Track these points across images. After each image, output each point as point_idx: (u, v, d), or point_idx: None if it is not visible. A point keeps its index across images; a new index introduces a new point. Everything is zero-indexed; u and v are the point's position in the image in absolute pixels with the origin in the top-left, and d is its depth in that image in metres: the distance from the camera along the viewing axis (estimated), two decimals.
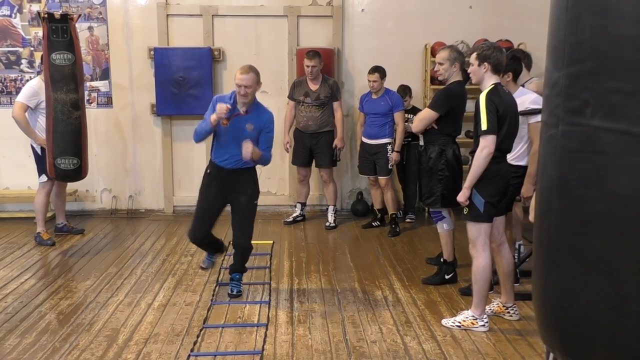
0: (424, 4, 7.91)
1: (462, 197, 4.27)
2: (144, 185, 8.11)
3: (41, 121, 6.36)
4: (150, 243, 6.66)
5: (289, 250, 6.39)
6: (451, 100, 5.20)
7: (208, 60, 7.66)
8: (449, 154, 5.20)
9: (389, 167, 7.08)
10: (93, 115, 7.66)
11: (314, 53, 7.12)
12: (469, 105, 5.36)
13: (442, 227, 5.34)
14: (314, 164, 7.51)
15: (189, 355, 3.98)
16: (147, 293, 5.12)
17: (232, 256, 5.23)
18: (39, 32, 7.58)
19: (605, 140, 1.95)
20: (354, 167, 7.81)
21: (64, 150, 6.16)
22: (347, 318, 4.61)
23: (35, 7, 7.64)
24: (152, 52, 7.69)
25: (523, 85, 5.20)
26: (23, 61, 7.79)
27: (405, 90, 7.38)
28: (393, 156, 7.01)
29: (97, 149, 7.89)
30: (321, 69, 7.20)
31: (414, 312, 4.73)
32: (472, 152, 4.27)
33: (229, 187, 4.88)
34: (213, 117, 4.67)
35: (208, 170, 4.99)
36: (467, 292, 4.93)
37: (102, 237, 6.93)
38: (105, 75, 7.89)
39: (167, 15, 7.79)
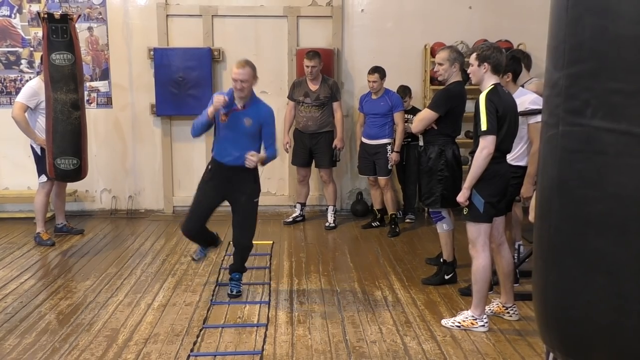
0: (424, 5, 7.92)
1: (461, 197, 4.27)
2: (143, 185, 8.11)
3: (41, 121, 6.36)
4: (150, 243, 6.66)
5: (289, 251, 6.39)
6: (451, 101, 5.20)
7: (208, 60, 7.66)
8: (448, 154, 5.21)
9: (389, 168, 7.08)
10: (93, 115, 7.66)
11: (313, 53, 7.13)
12: (469, 106, 5.37)
13: (442, 228, 5.34)
14: (313, 164, 7.51)
15: (189, 355, 3.98)
16: (147, 293, 5.12)
17: (232, 256, 5.22)
18: (38, 32, 7.58)
19: (606, 141, 1.95)
20: (354, 168, 7.81)
21: (63, 151, 6.17)
22: (346, 318, 4.62)
23: (35, 8, 7.64)
24: (151, 53, 7.69)
25: (523, 86, 5.20)
26: (23, 61, 7.79)
27: (405, 91, 7.38)
28: (393, 156, 7.02)
29: (96, 149, 7.89)
30: (321, 69, 7.21)
31: (414, 313, 4.73)
32: (472, 153, 4.27)
33: (229, 184, 4.86)
34: (210, 109, 4.67)
35: (209, 167, 4.99)
36: (466, 293, 4.93)
37: (101, 237, 6.93)
38: (105, 75, 7.89)
39: (167, 15, 7.79)
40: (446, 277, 5.35)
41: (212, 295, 5.06)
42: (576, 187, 2.05)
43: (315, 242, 6.77)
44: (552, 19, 2.18)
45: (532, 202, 3.43)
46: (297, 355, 4.01)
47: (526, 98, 4.87)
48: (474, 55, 4.28)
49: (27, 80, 7.30)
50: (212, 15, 7.82)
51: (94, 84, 7.87)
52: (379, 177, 7.13)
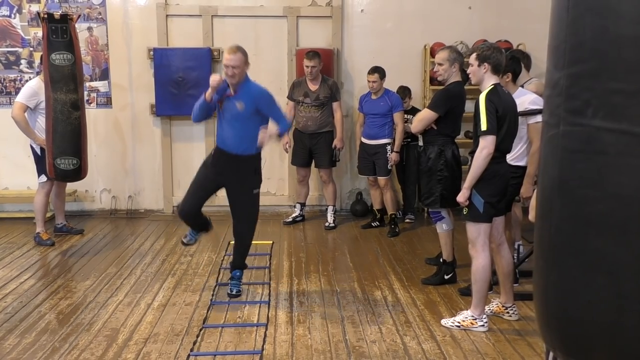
0: (424, 5, 7.92)
1: (461, 197, 4.28)
2: (143, 185, 8.12)
3: (40, 121, 6.36)
4: (150, 243, 6.66)
5: (289, 251, 6.40)
6: (450, 101, 5.20)
7: (207, 60, 7.66)
8: (448, 154, 5.21)
9: (389, 168, 7.08)
10: (92, 115, 7.66)
11: (313, 53, 7.13)
12: (468, 106, 5.38)
13: (442, 228, 5.35)
14: (313, 164, 7.51)
15: (189, 355, 3.98)
16: (147, 293, 5.12)
17: (232, 256, 5.22)
18: (38, 32, 7.58)
19: (607, 141, 1.95)
20: (354, 168, 7.82)
21: (63, 151, 6.17)
22: (346, 318, 4.62)
23: (35, 8, 7.64)
24: (151, 53, 7.69)
25: (522, 86, 5.21)
26: (22, 61, 7.79)
27: (404, 92, 7.39)
28: (392, 156, 7.02)
29: (96, 149, 7.89)
30: (321, 69, 7.21)
31: (414, 312, 4.73)
32: (472, 153, 4.28)
33: (229, 173, 4.80)
34: (207, 91, 4.67)
35: (212, 152, 4.98)
36: (466, 292, 4.94)
37: (101, 237, 6.93)
38: (104, 75, 7.89)
39: (167, 15, 7.80)
40: (446, 277, 5.35)
41: (212, 295, 5.06)
42: (577, 187, 2.05)
43: (315, 242, 6.77)
44: (553, 19, 2.18)
45: (532, 202, 3.42)
46: (297, 355, 4.01)
47: (526, 98, 4.87)
48: (473, 56, 4.29)
49: (26, 81, 7.30)
50: (212, 16, 7.82)
51: (94, 84, 7.87)
52: (378, 177, 7.13)
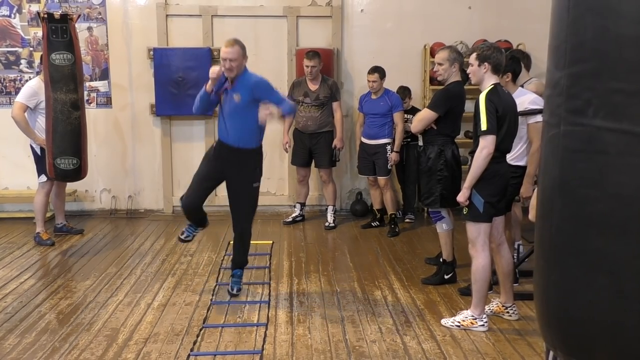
0: (423, 5, 7.92)
1: (461, 197, 4.28)
2: (143, 185, 8.11)
3: (40, 121, 6.36)
4: (150, 243, 6.66)
5: (289, 251, 6.40)
6: (450, 101, 5.20)
7: (207, 60, 7.65)
8: (448, 154, 5.21)
9: (388, 168, 7.08)
10: (92, 115, 7.65)
11: (313, 53, 7.13)
12: (468, 106, 5.38)
13: (442, 227, 5.35)
14: (313, 164, 7.51)
15: (189, 355, 3.98)
16: (147, 293, 5.12)
17: (232, 256, 5.22)
18: (38, 32, 7.58)
19: (607, 140, 1.96)
20: (353, 168, 7.82)
21: (63, 151, 6.17)
22: (346, 318, 4.62)
23: (35, 8, 7.64)
24: (151, 53, 7.69)
25: (522, 86, 5.21)
26: (22, 61, 7.79)
27: (404, 92, 7.39)
28: (392, 156, 7.02)
29: (96, 149, 7.89)
30: (320, 69, 7.21)
31: (414, 312, 4.74)
32: (472, 153, 4.28)
33: (230, 165, 4.78)
34: (208, 82, 4.66)
35: (214, 145, 4.96)
36: (466, 292, 4.94)
37: (101, 237, 6.93)
38: (104, 75, 7.89)
39: (167, 15, 7.79)
40: (446, 277, 5.35)
41: (212, 295, 5.06)
42: (577, 187, 2.05)
43: (315, 242, 6.77)
44: (554, 19, 2.18)
45: (532, 202, 3.43)
46: (297, 354, 4.01)
47: (526, 98, 4.87)
48: (474, 55, 4.29)
49: (26, 80, 7.30)
50: (212, 15, 7.82)
51: (94, 83, 7.87)
52: (378, 177, 7.13)
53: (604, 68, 1.96)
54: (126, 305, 4.85)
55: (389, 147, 7.02)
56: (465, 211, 4.31)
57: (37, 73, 7.28)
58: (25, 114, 6.36)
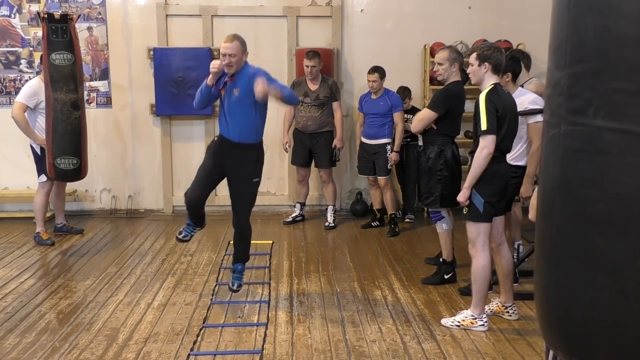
0: (423, 5, 7.93)
1: (462, 197, 4.28)
2: (143, 185, 8.12)
3: (40, 121, 6.36)
4: (150, 243, 6.66)
5: (289, 250, 6.40)
6: (450, 101, 5.21)
7: (207, 60, 7.60)
8: (447, 154, 5.21)
9: (388, 167, 7.08)
10: (92, 115, 7.66)
11: (313, 53, 7.13)
12: (468, 106, 5.39)
13: (441, 227, 5.35)
14: (313, 164, 7.51)
15: (189, 355, 3.98)
16: (147, 293, 5.12)
17: (232, 255, 5.21)
18: (38, 32, 7.58)
19: (608, 140, 1.96)
20: (353, 167, 7.82)
21: (63, 150, 6.17)
22: (346, 318, 4.62)
23: (35, 8, 7.64)
24: (151, 53, 7.69)
25: (522, 86, 5.21)
26: (22, 61, 7.79)
27: (405, 92, 7.39)
28: (392, 156, 7.02)
29: (96, 149, 7.89)
30: (320, 69, 7.21)
31: (414, 312, 4.74)
32: (472, 152, 4.28)
33: (231, 160, 4.75)
34: (209, 77, 4.63)
35: (215, 138, 4.94)
36: (466, 292, 4.94)
37: (101, 237, 6.93)
38: (104, 75, 7.89)
39: (167, 15, 7.79)
40: (446, 277, 5.35)
41: (212, 295, 5.06)
42: (578, 187, 2.05)
43: (314, 242, 6.77)
44: (554, 19, 2.18)
45: (532, 201, 3.43)
46: (297, 354, 4.02)
47: (526, 98, 4.87)
48: (474, 55, 4.29)
49: (26, 80, 7.30)
50: (212, 15, 7.82)
51: (94, 83, 7.87)
52: (378, 177, 7.13)
53: (604, 68, 1.96)
54: (126, 305, 4.85)
55: (389, 147, 7.02)
56: (465, 211, 4.31)
57: (37, 73, 7.28)
58: (25, 113, 6.37)
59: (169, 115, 7.86)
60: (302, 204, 7.66)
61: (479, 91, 4.28)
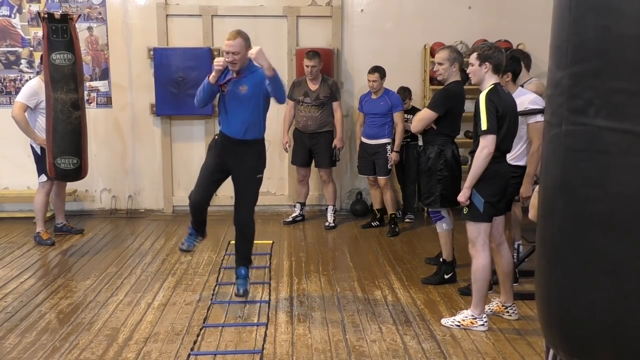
0: (423, 5, 7.93)
1: (462, 197, 4.28)
2: (143, 185, 8.12)
3: (41, 121, 6.37)
4: (150, 243, 6.66)
5: (289, 250, 6.40)
6: (450, 101, 5.21)
7: (207, 60, 7.64)
8: (447, 154, 5.21)
9: (388, 167, 7.08)
10: (92, 115, 7.65)
11: (313, 53, 7.13)
12: (468, 106, 5.39)
13: (442, 227, 5.35)
14: (313, 164, 7.51)
15: (189, 354, 3.98)
16: (147, 292, 5.12)
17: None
18: (38, 32, 7.58)
19: (609, 140, 1.96)
20: (353, 167, 7.82)
21: (63, 150, 6.17)
22: (346, 317, 4.62)
23: (35, 7, 7.64)
24: (151, 52, 7.69)
25: (522, 86, 5.21)
26: (22, 61, 7.79)
27: (405, 93, 7.39)
28: (392, 156, 7.02)
29: (96, 149, 7.89)
30: (320, 69, 7.21)
31: (414, 312, 4.74)
32: (472, 152, 4.28)
33: (234, 157, 4.73)
34: (212, 74, 4.59)
35: (216, 137, 4.92)
36: (466, 292, 4.94)
37: (101, 237, 6.93)
38: (104, 75, 7.89)
39: (167, 15, 7.79)
40: (446, 277, 5.36)
41: (212, 295, 5.06)
42: (579, 187, 2.05)
43: (315, 242, 6.77)
44: (555, 19, 2.19)
45: (532, 201, 3.43)
46: (297, 354, 4.02)
47: (526, 98, 4.87)
48: (474, 55, 4.29)
49: (26, 80, 7.30)
50: (212, 15, 7.82)
51: (94, 83, 7.87)
52: (378, 177, 7.14)
53: (605, 68, 1.96)
54: (126, 305, 4.85)
55: (389, 147, 7.03)
56: (465, 211, 4.31)
57: (37, 73, 7.28)
58: (26, 113, 6.37)
59: (169, 115, 7.86)
60: (302, 204, 7.66)
61: (479, 91, 4.28)
